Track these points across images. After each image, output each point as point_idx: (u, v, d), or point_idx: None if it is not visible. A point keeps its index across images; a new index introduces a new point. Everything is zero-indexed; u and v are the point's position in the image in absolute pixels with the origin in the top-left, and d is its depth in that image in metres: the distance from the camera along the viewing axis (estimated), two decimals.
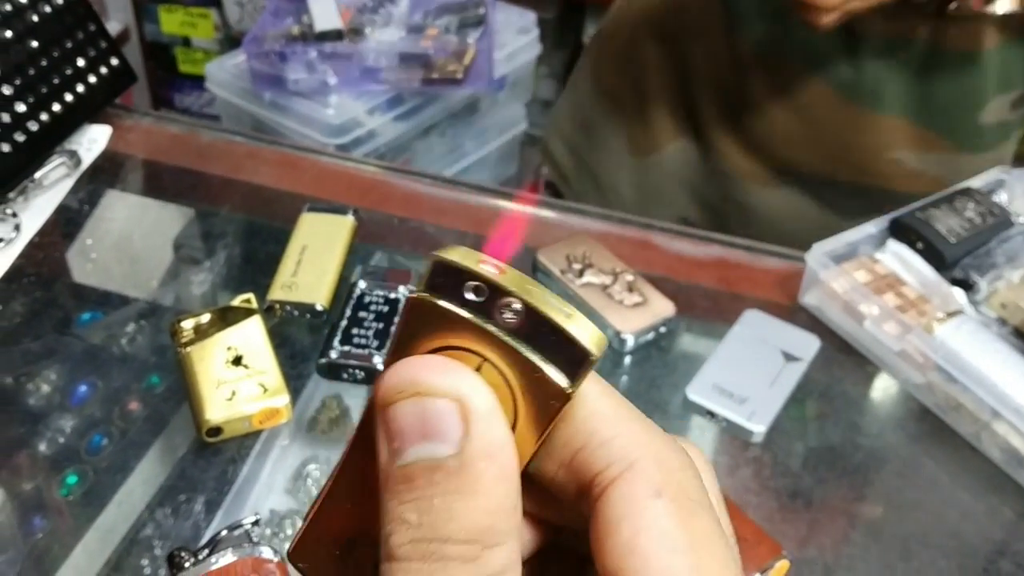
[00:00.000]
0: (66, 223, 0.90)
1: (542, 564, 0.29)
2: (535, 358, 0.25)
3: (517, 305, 0.25)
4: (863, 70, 0.91)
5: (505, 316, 0.25)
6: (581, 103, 1.14)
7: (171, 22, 2.22)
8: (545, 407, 0.25)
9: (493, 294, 0.25)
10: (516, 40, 1.60)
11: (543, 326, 0.25)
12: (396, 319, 0.76)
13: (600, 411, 0.26)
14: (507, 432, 0.25)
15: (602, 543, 0.25)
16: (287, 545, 0.67)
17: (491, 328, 0.25)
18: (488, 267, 0.25)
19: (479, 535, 0.24)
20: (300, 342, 0.79)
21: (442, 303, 0.25)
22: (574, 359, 0.25)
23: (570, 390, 0.25)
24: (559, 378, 0.25)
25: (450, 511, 0.24)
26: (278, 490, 0.72)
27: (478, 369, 0.25)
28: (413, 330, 0.26)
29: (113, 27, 2.14)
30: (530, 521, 0.29)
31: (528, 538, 0.29)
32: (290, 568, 0.60)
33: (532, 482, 0.27)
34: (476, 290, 0.25)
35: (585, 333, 0.25)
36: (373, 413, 0.26)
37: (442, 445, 0.24)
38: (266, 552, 0.59)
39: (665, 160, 1.04)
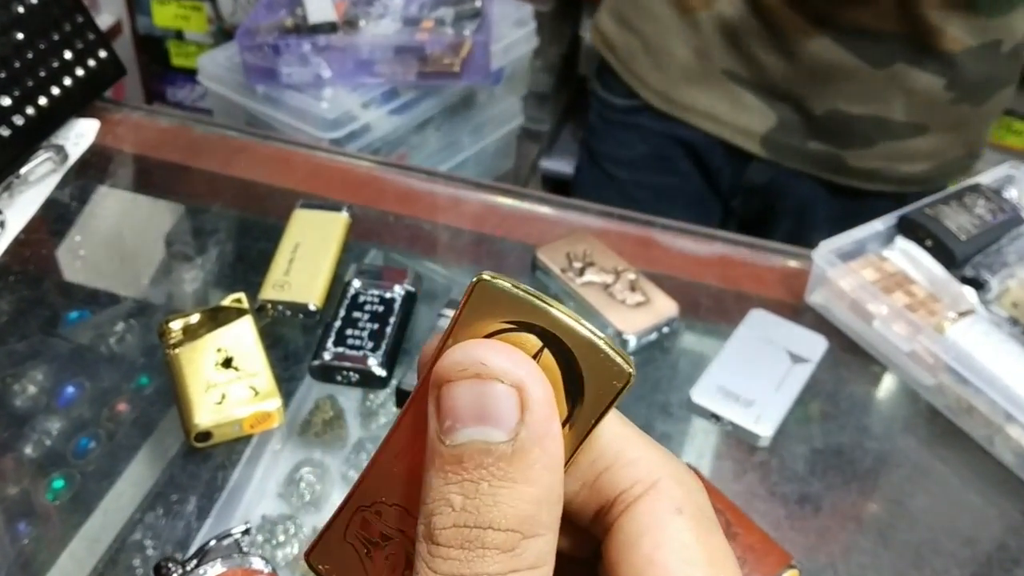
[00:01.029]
0: (53, 220, 0.87)
1: None
2: (599, 340, 0.26)
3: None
4: None
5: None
6: None
7: (164, 15, 2.20)
8: (606, 389, 0.26)
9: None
10: (513, 33, 1.58)
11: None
12: (391, 319, 0.74)
13: (624, 435, 0.28)
14: (559, 424, 0.25)
15: (622, 556, 0.26)
16: (280, 553, 0.65)
17: (557, 311, 0.26)
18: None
19: (520, 524, 0.24)
20: (292, 343, 0.77)
21: (512, 286, 0.26)
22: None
23: (631, 371, 0.26)
24: (621, 360, 0.26)
25: (495, 497, 0.24)
26: (270, 495, 0.70)
27: (536, 356, 0.26)
28: (476, 312, 0.26)
29: (105, 20, 2.11)
30: None
31: None
32: (286, 575, 0.59)
33: None
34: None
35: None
36: (420, 397, 0.27)
37: (496, 430, 0.24)
38: (257, 563, 0.57)
39: (713, 16, 1.07)
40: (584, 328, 0.26)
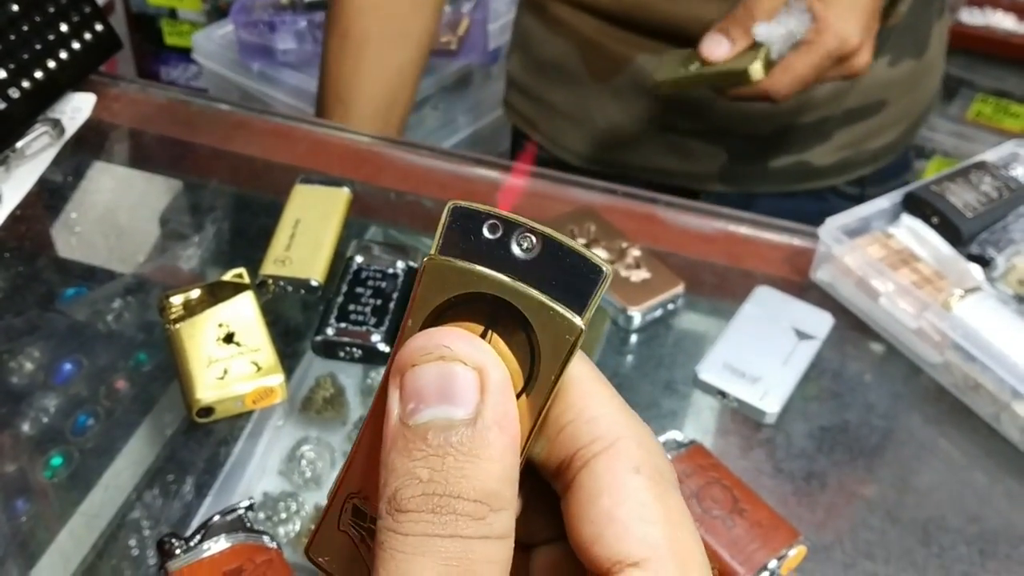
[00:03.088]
0: (49, 195, 0.86)
1: None
2: (546, 299, 0.27)
3: (532, 236, 0.27)
4: None
5: (523, 246, 0.27)
6: (528, 44, 1.10)
7: None
8: (560, 345, 0.27)
9: (508, 229, 0.27)
10: (510, 11, 1.56)
11: (557, 254, 0.27)
12: (394, 295, 0.74)
13: (590, 391, 0.28)
14: (515, 407, 0.26)
15: (581, 511, 0.27)
16: (282, 530, 0.65)
17: (504, 276, 0.27)
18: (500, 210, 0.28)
19: (487, 497, 0.25)
20: (293, 319, 0.76)
21: (457, 261, 0.27)
22: (587, 287, 0.27)
23: (582, 325, 0.27)
24: (570, 315, 0.27)
25: (462, 470, 0.25)
26: (271, 472, 0.69)
27: (490, 325, 0.27)
28: (429, 290, 0.28)
29: None
30: None
31: None
32: (287, 556, 0.58)
33: None
34: (492, 227, 0.27)
35: (597, 256, 0.27)
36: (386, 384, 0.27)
37: (458, 409, 0.26)
38: (261, 539, 0.56)
39: (630, 78, 1.00)
40: (531, 289, 0.27)
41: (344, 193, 0.82)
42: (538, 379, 0.27)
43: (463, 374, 0.26)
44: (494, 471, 0.25)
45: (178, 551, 0.56)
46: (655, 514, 0.27)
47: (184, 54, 2.11)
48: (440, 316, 0.28)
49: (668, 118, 1.01)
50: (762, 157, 1.03)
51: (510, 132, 1.21)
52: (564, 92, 1.06)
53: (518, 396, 0.27)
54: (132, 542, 0.63)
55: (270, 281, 0.76)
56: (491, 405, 0.26)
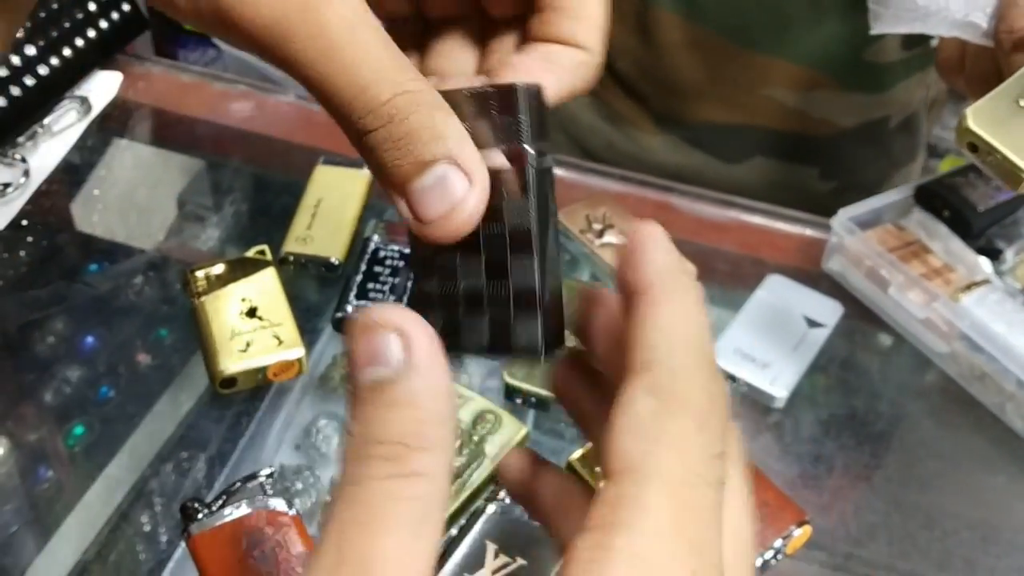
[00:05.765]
0: (75, 171, 0.88)
1: None
2: None
3: None
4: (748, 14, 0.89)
5: None
6: None
7: None
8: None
9: None
10: None
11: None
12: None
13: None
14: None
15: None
16: (297, 501, 0.66)
17: None
18: None
19: (404, 437, 0.27)
20: (313, 297, 0.78)
21: None
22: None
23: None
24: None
25: (383, 420, 0.27)
26: (288, 445, 0.71)
27: None
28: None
29: None
30: None
31: None
32: (305, 523, 0.60)
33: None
34: None
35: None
36: None
37: (385, 368, 0.28)
38: (281, 505, 0.58)
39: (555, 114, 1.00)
40: None
41: (364, 175, 0.84)
42: None
43: (387, 338, 0.28)
44: (415, 415, 0.27)
45: (200, 515, 0.57)
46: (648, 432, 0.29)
47: (203, 37, 2.11)
48: None
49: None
50: None
51: None
52: None
53: None
54: (152, 509, 0.64)
55: (291, 258, 0.77)
56: (414, 360, 0.28)
